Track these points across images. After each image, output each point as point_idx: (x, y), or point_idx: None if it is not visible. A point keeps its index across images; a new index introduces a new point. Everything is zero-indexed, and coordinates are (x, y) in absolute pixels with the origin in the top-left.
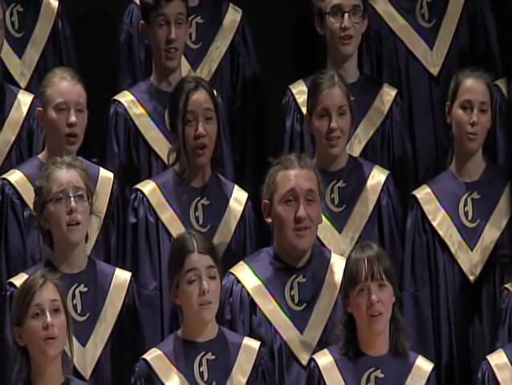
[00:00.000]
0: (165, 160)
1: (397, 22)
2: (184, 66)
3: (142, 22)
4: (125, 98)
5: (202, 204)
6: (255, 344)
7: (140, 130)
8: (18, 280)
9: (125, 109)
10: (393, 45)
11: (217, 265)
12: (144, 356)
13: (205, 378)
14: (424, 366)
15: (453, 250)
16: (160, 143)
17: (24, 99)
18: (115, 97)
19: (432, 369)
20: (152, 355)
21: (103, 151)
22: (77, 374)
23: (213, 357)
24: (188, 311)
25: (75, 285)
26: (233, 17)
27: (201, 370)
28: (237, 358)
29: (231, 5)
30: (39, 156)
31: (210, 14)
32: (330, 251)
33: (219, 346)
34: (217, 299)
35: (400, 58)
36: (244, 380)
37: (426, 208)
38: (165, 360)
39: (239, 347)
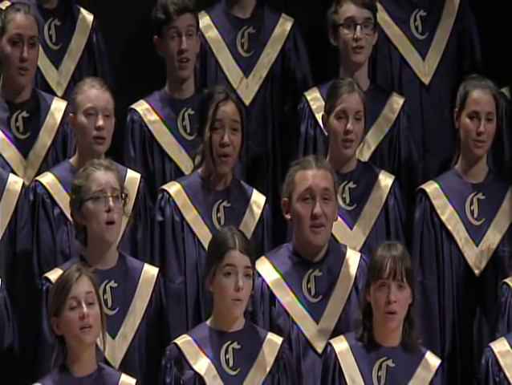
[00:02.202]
0: (178, 163)
1: (392, 30)
2: (237, 74)
3: (155, 36)
4: (141, 106)
5: (224, 207)
6: (278, 339)
7: (154, 135)
8: (53, 274)
9: (140, 116)
10: (388, 51)
11: (253, 267)
12: (175, 341)
13: (231, 364)
14: (432, 360)
15: (460, 245)
16: (173, 148)
17: (58, 106)
18: (132, 106)
19: (440, 364)
20: (182, 340)
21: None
22: (107, 365)
23: (239, 346)
24: (219, 302)
25: (106, 281)
26: (284, 26)
27: (226, 357)
28: (261, 349)
29: (283, 14)
30: (70, 159)
31: (262, 25)
32: (346, 246)
33: (245, 337)
34: (248, 297)
35: (393, 64)
36: (267, 370)
37: (435, 203)
38: (194, 345)
39: (263, 340)
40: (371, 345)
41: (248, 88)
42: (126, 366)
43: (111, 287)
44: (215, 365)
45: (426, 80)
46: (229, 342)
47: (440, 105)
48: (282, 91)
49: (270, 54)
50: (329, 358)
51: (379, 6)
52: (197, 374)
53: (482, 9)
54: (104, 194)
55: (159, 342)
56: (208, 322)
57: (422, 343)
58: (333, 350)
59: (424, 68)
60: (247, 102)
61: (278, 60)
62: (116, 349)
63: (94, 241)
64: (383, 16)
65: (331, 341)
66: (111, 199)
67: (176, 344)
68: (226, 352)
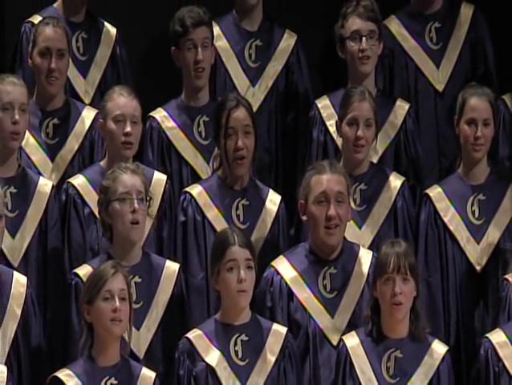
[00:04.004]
0: (195, 167)
1: (409, 43)
2: (244, 82)
3: (173, 48)
4: (159, 114)
5: (242, 205)
6: (283, 329)
7: (171, 141)
8: (82, 270)
9: (158, 123)
10: (404, 62)
11: (254, 258)
12: (187, 335)
13: (240, 356)
14: (438, 348)
15: (462, 244)
16: (189, 152)
17: (88, 114)
18: (151, 113)
19: (447, 351)
20: (194, 334)
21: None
22: (132, 354)
23: (247, 338)
24: (226, 297)
25: (131, 276)
26: (288, 41)
27: (236, 348)
28: (267, 340)
29: (287, 30)
30: (101, 162)
31: (268, 38)
32: (359, 245)
33: (252, 329)
34: (252, 288)
35: (409, 74)
36: (273, 359)
37: (438, 206)
38: (205, 339)
39: (269, 331)
40: (379, 338)
41: (254, 97)
42: (150, 357)
43: (135, 282)
44: (225, 357)
45: (440, 88)
46: (237, 335)
47: (453, 111)
48: (286, 101)
49: (275, 67)
50: (341, 353)
51: (396, 20)
52: (208, 365)
53: (495, 18)
54: (130, 196)
55: (181, 334)
56: (217, 316)
57: (429, 333)
58: (345, 345)
59: (439, 76)
60: (253, 109)
61: (282, 73)
62: (141, 340)
63: (119, 239)
64: (400, 30)
65: (343, 337)
66: (135, 201)
67: (187, 338)
68: (235, 344)
